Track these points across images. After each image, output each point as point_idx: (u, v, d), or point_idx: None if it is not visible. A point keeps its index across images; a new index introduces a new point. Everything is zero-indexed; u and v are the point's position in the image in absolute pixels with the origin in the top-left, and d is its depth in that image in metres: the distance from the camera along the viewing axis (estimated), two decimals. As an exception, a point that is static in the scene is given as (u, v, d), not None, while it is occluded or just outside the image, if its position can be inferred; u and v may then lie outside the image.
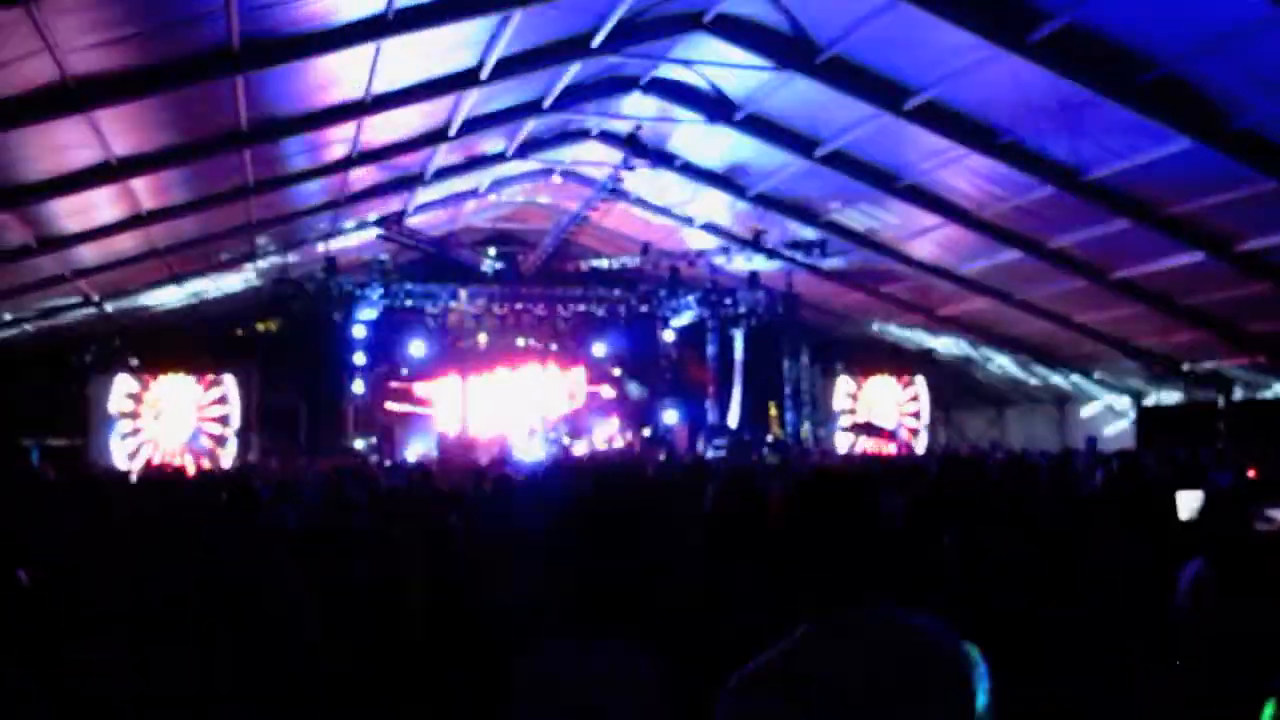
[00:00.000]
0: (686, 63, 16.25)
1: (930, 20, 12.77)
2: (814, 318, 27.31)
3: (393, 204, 21.28)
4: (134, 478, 17.80)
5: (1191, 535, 6.70)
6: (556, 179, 22.47)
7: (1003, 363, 27.18)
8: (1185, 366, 22.67)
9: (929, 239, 20.28)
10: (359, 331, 25.08)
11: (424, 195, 21.03)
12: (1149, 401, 25.26)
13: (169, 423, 24.00)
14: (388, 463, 21.91)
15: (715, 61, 15.88)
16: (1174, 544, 5.50)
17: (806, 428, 27.43)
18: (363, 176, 18.12)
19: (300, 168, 16.53)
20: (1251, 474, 12.74)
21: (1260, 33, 11.51)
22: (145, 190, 14.98)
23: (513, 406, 27.16)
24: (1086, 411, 27.15)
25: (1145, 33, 12.33)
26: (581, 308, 27.04)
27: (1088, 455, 17.07)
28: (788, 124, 17.52)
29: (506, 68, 14.47)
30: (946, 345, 27.54)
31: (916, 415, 29.31)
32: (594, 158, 20.78)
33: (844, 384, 29.08)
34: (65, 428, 24.22)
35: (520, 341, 27.85)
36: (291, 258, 22.58)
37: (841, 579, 2.45)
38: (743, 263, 24.87)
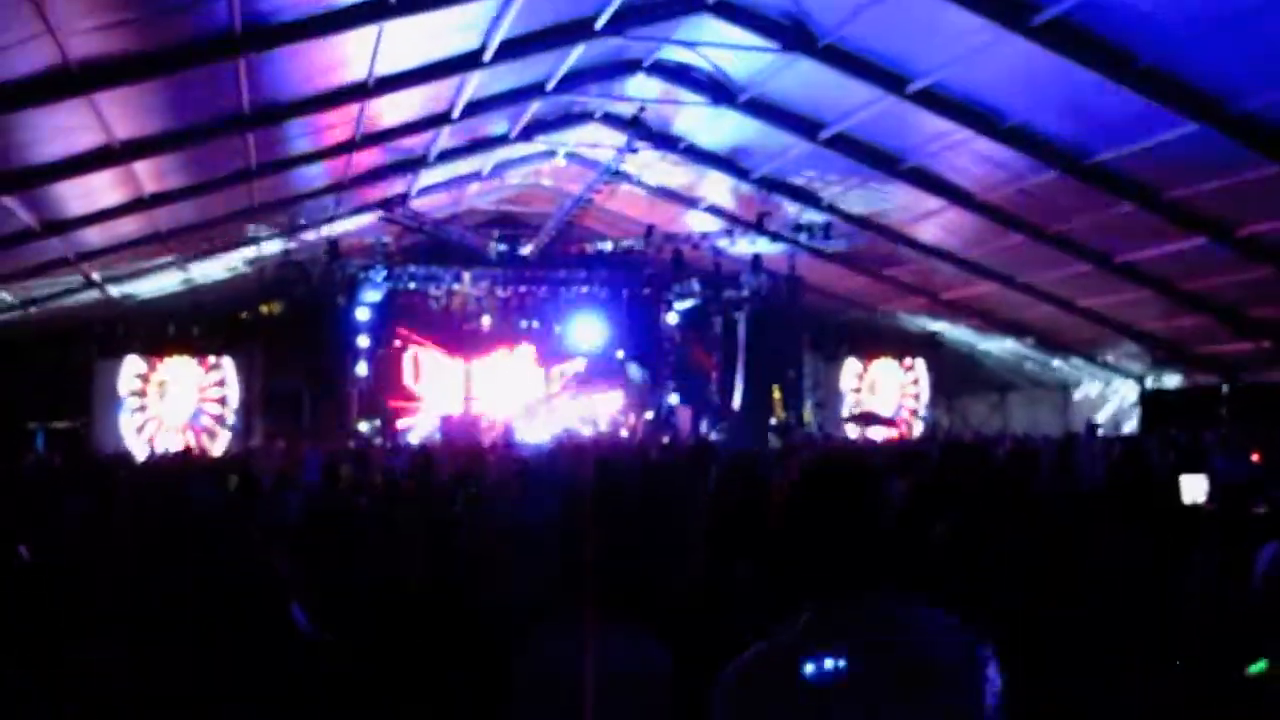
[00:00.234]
0: (690, 45, 16.20)
1: (935, 2, 12.72)
2: (817, 301, 27.27)
3: (396, 187, 21.25)
4: (140, 459, 18.06)
5: (1196, 522, 6.72)
6: (560, 161, 22.41)
7: (1006, 347, 27.14)
8: (1188, 351, 22.65)
9: (933, 222, 20.23)
10: (362, 314, 25.11)
11: (427, 178, 21.00)
12: (1151, 386, 25.24)
13: (173, 402, 24.60)
14: (388, 445, 21.93)
15: (719, 44, 15.82)
16: (1178, 532, 5.51)
17: (809, 411, 27.42)
18: (366, 159, 18.08)
19: (303, 150, 16.51)
20: (1255, 458, 12.78)
21: (1262, 16, 11.47)
22: (148, 174, 14.96)
23: (515, 388, 27.16)
24: (1089, 396, 27.12)
25: (1148, 16, 12.27)
26: (584, 290, 27.01)
27: (1089, 440, 17.08)
28: (791, 107, 17.47)
29: (510, 50, 14.43)
30: (950, 330, 27.53)
31: (916, 398, 29.49)
32: (598, 140, 20.73)
33: (850, 367, 29.22)
34: (69, 411, 24.31)
35: (524, 324, 27.82)
36: (294, 241, 22.55)
37: (845, 569, 2.44)
38: (746, 246, 24.80)
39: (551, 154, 21.94)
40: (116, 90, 11.69)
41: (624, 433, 26.41)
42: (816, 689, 2.30)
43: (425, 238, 25.06)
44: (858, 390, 29.34)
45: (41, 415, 23.84)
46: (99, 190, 14.99)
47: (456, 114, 16.47)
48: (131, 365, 24.40)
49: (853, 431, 27.35)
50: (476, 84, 15.51)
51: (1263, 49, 12.06)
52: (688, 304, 28.20)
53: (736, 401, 27.52)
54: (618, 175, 21.12)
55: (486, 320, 26.90)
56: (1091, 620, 4.12)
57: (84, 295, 21.19)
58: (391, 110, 15.77)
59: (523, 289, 26.61)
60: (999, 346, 27.40)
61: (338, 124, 15.70)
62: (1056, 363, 26.79)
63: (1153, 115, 13.67)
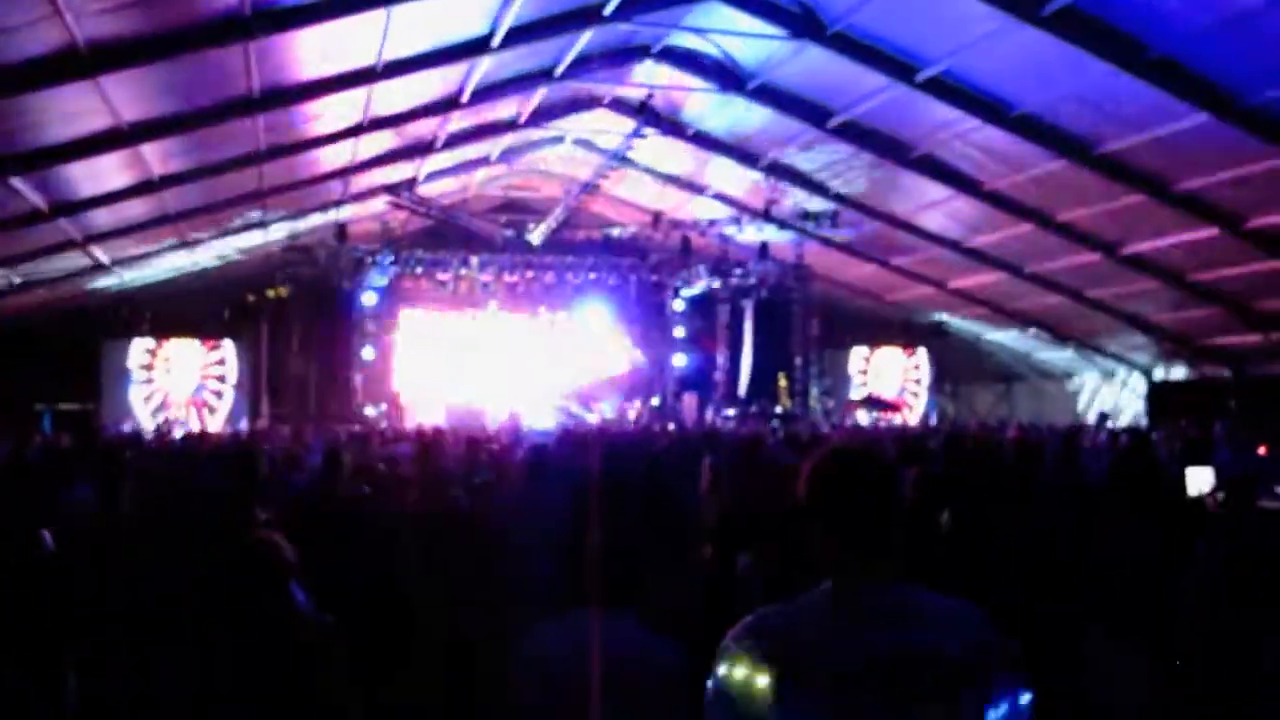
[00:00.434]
0: (699, 31, 16.16)
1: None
2: (824, 289, 27.25)
3: (404, 171, 21.23)
4: (148, 437, 18.16)
5: (1201, 515, 6.71)
6: (568, 147, 22.38)
7: (1013, 337, 27.11)
8: (1195, 343, 22.61)
9: (940, 211, 20.21)
10: (369, 299, 25.14)
11: (435, 163, 20.97)
12: (1158, 378, 25.20)
13: (178, 378, 25.75)
14: (392, 430, 21.91)
15: (727, 30, 15.79)
16: (1182, 525, 5.50)
17: (815, 398, 27.42)
18: (374, 144, 18.06)
19: (311, 134, 16.49)
20: (1262, 451, 12.74)
21: (1271, 14, 11.44)
22: (156, 156, 14.95)
23: (521, 374, 27.16)
24: (1095, 387, 27.08)
25: (1159, 7, 12.23)
26: (591, 276, 26.99)
27: (1098, 431, 17.05)
28: (800, 94, 17.43)
29: (519, 35, 14.40)
30: (957, 319, 27.50)
31: (918, 382, 29.89)
32: (605, 126, 20.69)
33: (856, 355, 29.38)
34: (76, 393, 24.42)
35: (533, 309, 27.83)
36: (302, 224, 22.57)
37: (857, 555, 2.44)
38: (754, 233, 24.78)
39: (559, 139, 21.92)
40: (125, 72, 11.69)
41: (631, 415, 26.42)
42: (820, 663, 2.30)
43: (433, 222, 25.06)
44: (864, 376, 29.53)
45: (49, 397, 23.96)
46: (107, 172, 15.00)
47: (465, 99, 16.45)
48: (140, 343, 25.35)
49: (861, 417, 27.39)
50: (485, 69, 15.48)
51: (1272, 45, 12.04)
52: (695, 291, 28.18)
53: (743, 389, 27.52)
54: (625, 161, 21.10)
55: (494, 305, 26.89)
56: (1091, 613, 4.12)
57: (92, 277, 21.23)
58: (400, 95, 15.74)
59: (530, 274, 26.56)
60: (1005, 336, 27.37)
61: (347, 108, 15.68)
62: (1063, 353, 26.74)
63: (1163, 105, 13.64)
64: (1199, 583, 4.21)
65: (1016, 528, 5.07)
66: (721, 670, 2.39)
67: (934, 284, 24.71)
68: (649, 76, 18.33)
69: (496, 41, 14.19)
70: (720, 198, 23.80)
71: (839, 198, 21.10)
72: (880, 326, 29.41)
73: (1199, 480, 8.24)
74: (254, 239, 22.67)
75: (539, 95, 18.44)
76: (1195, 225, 16.90)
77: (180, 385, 25.68)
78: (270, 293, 24.19)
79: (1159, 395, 24.99)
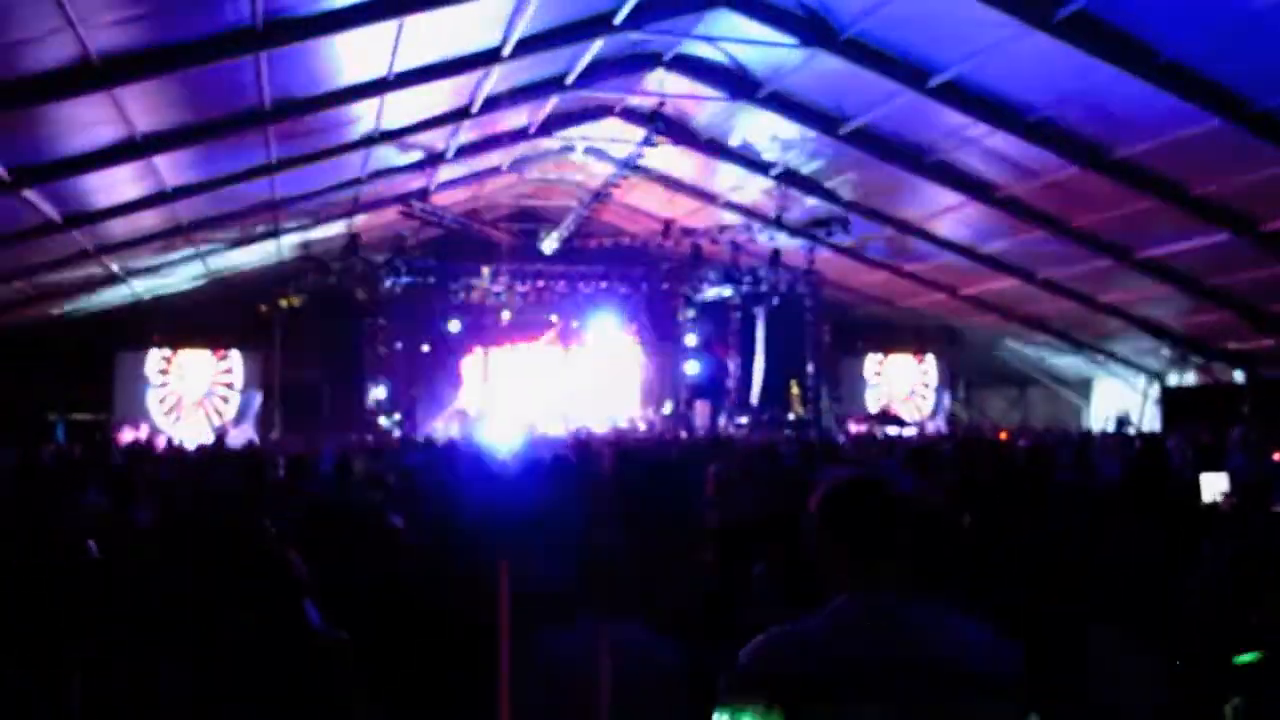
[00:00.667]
0: (709, 39, 16.18)
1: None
2: (836, 296, 27.22)
3: (415, 181, 21.28)
4: (161, 447, 18.25)
5: (1211, 519, 6.68)
6: (579, 156, 22.41)
7: (1026, 342, 27.05)
8: (1208, 347, 22.54)
9: (952, 217, 20.19)
10: (382, 308, 25.17)
11: (446, 172, 21.02)
12: (1171, 382, 25.12)
13: (191, 383, 26.38)
14: (404, 439, 21.93)
15: (739, 38, 15.80)
16: (1192, 528, 5.48)
17: (826, 405, 27.38)
18: (385, 154, 18.11)
19: (323, 145, 16.54)
20: (1277, 457, 12.68)
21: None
22: (169, 167, 15.02)
23: (535, 383, 27.20)
24: (1109, 392, 27.00)
25: (1169, 11, 12.22)
26: (603, 284, 26.98)
27: (1114, 436, 17.00)
28: (811, 101, 17.44)
29: (529, 45, 14.43)
30: (970, 325, 27.44)
31: (926, 385, 30.04)
32: (616, 134, 20.72)
33: (869, 362, 29.41)
34: (89, 403, 24.51)
35: (548, 318, 27.85)
36: (314, 234, 22.64)
37: (866, 570, 2.44)
38: (765, 240, 24.78)
39: (571, 149, 21.94)
40: (138, 84, 11.74)
41: (641, 426, 26.42)
42: (834, 675, 2.30)
43: (445, 232, 25.11)
44: (876, 382, 29.56)
45: (61, 407, 24.05)
46: (121, 183, 15.06)
47: (476, 109, 16.48)
48: (157, 354, 25.98)
49: (869, 425, 27.37)
50: (496, 79, 15.52)
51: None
52: (706, 298, 28.15)
53: (755, 396, 27.49)
54: (637, 170, 21.11)
55: (506, 315, 26.91)
56: (1098, 613, 4.11)
57: (105, 288, 21.31)
58: (411, 105, 15.79)
59: (542, 283, 26.55)
60: (1019, 342, 27.31)
61: (358, 118, 15.73)
62: (1077, 359, 26.68)
63: (1175, 110, 13.60)
64: (1204, 583, 4.20)
65: (1029, 530, 5.06)
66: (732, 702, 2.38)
67: (946, 290, 24.67)
68: (660, 85, 18.35)
69: (507, 51, 14.23)
70: (731, 205, 23.80)
71: (851, 205, 21.08)
72: (893, 333, 29.39)
73: (1214, 486, 8.19)
74: (266, 249, 22.74)
75: (550, 105, 18.47)
76: (1208, 230, 16.85)
77: (193, 389, 26.23)
78: (283, 303, 24.24)
79: (1172, 400, 24.91)
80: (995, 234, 20.32)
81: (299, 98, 14.06)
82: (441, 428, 24.96)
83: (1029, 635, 2.60)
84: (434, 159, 19.34)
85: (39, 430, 21.61)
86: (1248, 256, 17.31)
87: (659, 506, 5.34)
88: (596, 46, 15.73)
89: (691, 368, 28.28)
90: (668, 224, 25.06)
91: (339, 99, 14.47)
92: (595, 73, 17.10)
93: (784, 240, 24.23)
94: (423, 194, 22.24)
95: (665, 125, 18.84)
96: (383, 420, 24.42)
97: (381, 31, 12.50)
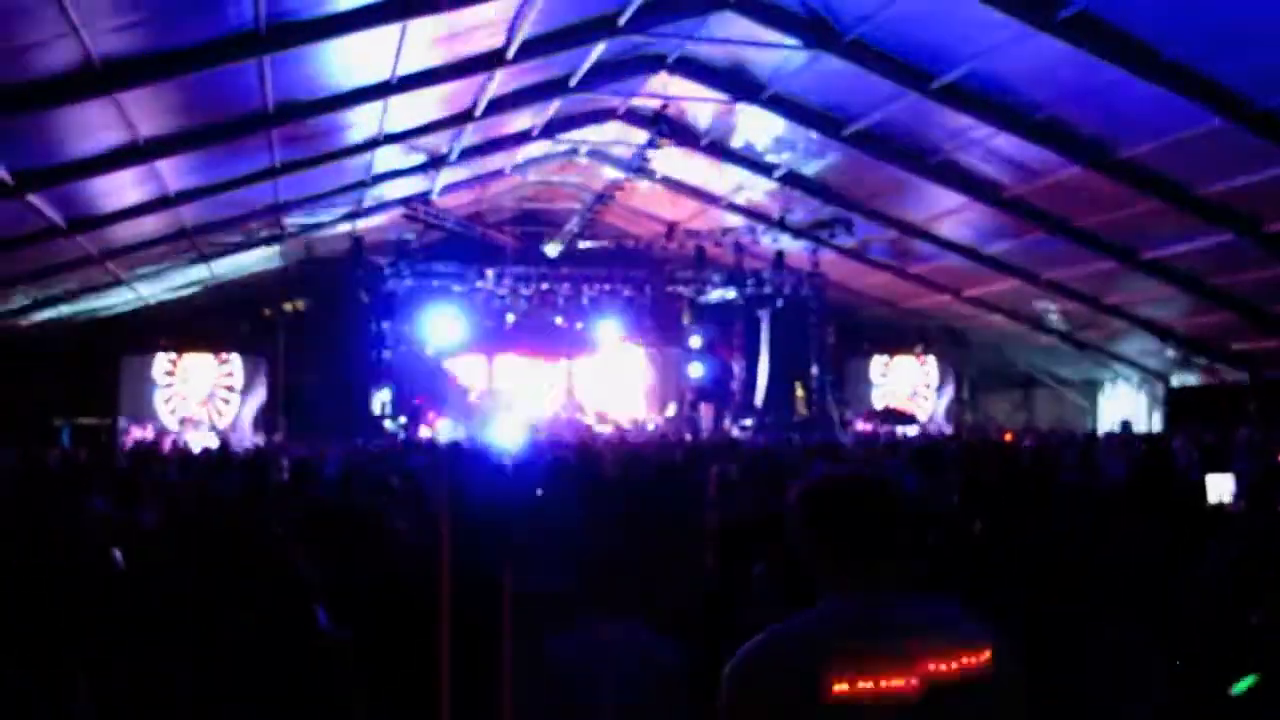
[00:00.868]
0: (713, 41, 16.18)
1: (959, -1, 12.70)
2: (840, 298, 27.21)
3: (419, 184, 21.30)
4: (166, 450, 18.30)
5: (1217, 520, 6.67)
6: (582, 158, 22.42)
7: (1031, 344, 27.01)
8: (1212, 348, 22.50)
9: (956, 218, 20.17)
10: (385, 311, 25.15)
11: (450, 175, 21.03)
12: (1176, 383, 25.07)
13: (194, 385, 26.59)
14: (405, 440, 21.94)
15: (742, 40, 15.79)
16: (1197, 529, 5.47)
17: (831, 407, 27.36)
18: (389, 157, 18.12)
19: (326, 149, 16.55)
20: (1281, 458, 12.63)
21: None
22: (172, 171, 15.03)
23: (539, 386, 27.22)
24: (1114, 394, 26.96)
25: (1171, 11, 12.21)
26: (607, 287, 26.96)
27: (1119, 439, 16.97)
28: (815, 103, 17.45)
29: (532, 48, 14.44)
30: (974, 326, 27.40)
31: (928, 386, 30.15)
32: (620, 137, 20.72)
33: (873, 363, 29.46)
34: (95, 408, 24.55)
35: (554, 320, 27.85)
36: (318, 237, 22.65)
37: (863, 569, 2.44)
38: (769, 242, 24.78)
39: (574, 151, 21.95)
40: (142, 88, 11.75)
41: (649, 427, 26.41)
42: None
43: (448, 235, 25.12)
44: (881, 384, 29.60)
45: (66, 411, 24.08)
46: (124, 188, 15.06)
47: (479, 112, 16.48)
48: (162, 357, 26.29)
49: (874, 424, 27.37)
50: (499, 82, 15.52)
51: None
52: (711, 300, 28.15)
53: (759, 398, 27.48)
54: (640, 172, 21.10)
55: (510, 318, 26.89)
56: (1100, 612, 4.10)
57: (109, 292, 21.33)
58: (415, 108, 15.79)
59: (545, 286, 26.53)
60: (1023, 343, 27.26)
61: (361, 122, 15.74)
62: (1081, 361, 26.63)
63: (1179, 110, 13.58)
64: (1206, 582, 4.20)
65: (1033, 530, 5.05)
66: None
67: (950, 291, 24.64)
68: (664, 87, 18.35)
69: (511, 54, 14.23)
70: (735, 207, 23.80)
71: (854, 206, 21.07)
72: (897, 334, 29.38)
73: (1220, 487, 8.16)
74: (270, 253, 22.76)
75: (553, 107, 18.48)
76: (1211, 230, 16.82)
77: (196, 391, 26.45)
78: (287, 306, 24.27)
79: (1177, 401, 24.86)
80: (999, 234, 20.29)
81: (302, 101, 14.07)
82: (445, 430, 24.97)
83: (1030, 635, 2.59)
84: (437, 162, 19.34)
85: (44, 435, 21.64)
86: (1251, 257, 17.27)
87: (661, 508, 5.35)
88: (600, 49, 15.74)
89: (696, 370, 28.28)
90: (671, 226, 25.07)
91: (342, 102, 14.48)
92: (599, 75, 17.12)
93: (787, 242, 24.25)
94: (426, 197, 22.25)
95: (668, 128, 18.85)
96: (387, 424, 24.42)
97: (385, 35, 12.51)
